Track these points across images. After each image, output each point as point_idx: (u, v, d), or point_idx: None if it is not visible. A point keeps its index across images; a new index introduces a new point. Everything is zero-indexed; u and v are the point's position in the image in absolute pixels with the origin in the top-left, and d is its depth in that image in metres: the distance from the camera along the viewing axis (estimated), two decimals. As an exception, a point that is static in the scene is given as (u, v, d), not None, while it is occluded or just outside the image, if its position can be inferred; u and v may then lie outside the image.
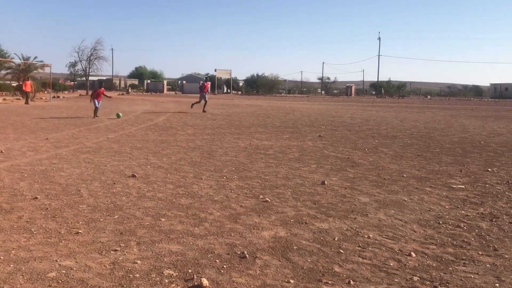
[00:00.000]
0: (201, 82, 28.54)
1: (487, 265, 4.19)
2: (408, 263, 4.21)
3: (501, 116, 27.45)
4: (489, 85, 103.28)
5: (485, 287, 3.72)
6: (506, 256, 4.43)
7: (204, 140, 12.96)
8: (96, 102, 21.14)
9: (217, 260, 4.18)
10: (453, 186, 7.44)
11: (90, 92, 26.01)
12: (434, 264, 4.19)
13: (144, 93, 74.56)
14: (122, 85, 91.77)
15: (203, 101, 25.94)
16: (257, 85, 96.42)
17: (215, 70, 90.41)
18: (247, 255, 4.29)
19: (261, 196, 6.54)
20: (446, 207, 6.21)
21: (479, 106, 45.33)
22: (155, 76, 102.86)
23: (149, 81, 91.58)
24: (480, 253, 4.51)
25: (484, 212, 5.98)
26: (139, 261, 4.11)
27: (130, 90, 75.09)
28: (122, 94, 60.44)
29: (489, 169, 8.97)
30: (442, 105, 49.67)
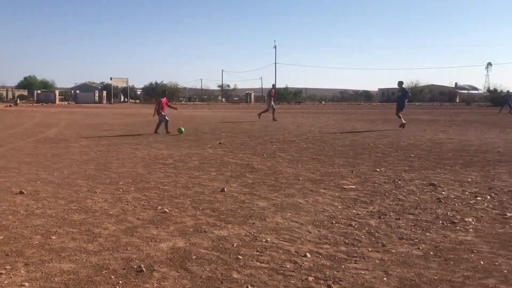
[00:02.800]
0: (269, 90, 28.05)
1: (376, 261, 4.44)
2: (303, 264, 4.35)
3: (389, 119, 29.30)
4: (377, 90, 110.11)
5: (374, 282, 3.93)
6: (393, 251, 4.73)
7: (99, 152, 12.49)
8: (162, 116, 18.34)
9: (112, 276, 4.03)
10: (345, 187, 7.82)
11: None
12: (328, 263, 4.37)
13: (34, 104, 70.50)
14: (10, 96, 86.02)
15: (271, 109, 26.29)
16: (156, 94, 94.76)
17: (111, 79, 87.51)
18: (144, 269, 4.19)
19: (159, 207, 6.43)
20: (339, 207, 6.50)
21: (369, 110, 48.12)
22: (46, 86, 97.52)
23: (39, 91, 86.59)
24: (370, 249, 4.77)
25: (373, 210, 6.33)
26: (27, 283, 3.85)
27: (18, 101, 70.54)
28: (10, 105, 56.51)
29: (378, 169, 9.54)
30: (336, 110, 52.11)
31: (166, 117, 18.60)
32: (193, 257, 4.54)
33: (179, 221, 5.79)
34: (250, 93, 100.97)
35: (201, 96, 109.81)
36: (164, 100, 18.99)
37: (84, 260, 4.41)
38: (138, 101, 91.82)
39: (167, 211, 6.23)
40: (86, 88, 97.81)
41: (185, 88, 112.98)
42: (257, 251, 4.71)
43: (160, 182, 8.27)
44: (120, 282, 3.92)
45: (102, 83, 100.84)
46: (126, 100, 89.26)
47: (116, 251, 4.69)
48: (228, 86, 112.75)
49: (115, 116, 32.51)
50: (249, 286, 3.84)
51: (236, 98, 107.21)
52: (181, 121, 27.06)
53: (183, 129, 18.49)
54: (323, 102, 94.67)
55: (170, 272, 4.15)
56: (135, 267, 4.25)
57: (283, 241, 5.03)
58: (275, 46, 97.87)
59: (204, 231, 5.37)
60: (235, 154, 12.13)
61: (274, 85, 30.21)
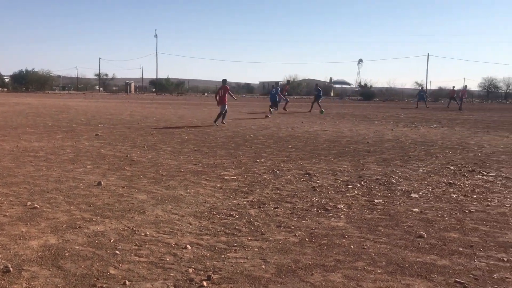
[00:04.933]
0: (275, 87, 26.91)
1: (255, 249, 4.54)
2: (184, 256, 4.31)
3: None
4: (258, 83, 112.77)
5: (253, 270, 4.01)
6: (271, 239, 4.86)
7: (-41, 144, 11.34)
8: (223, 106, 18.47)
9: (-28, 280, 3.67)
10: (226, 178, 7.90)
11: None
12: (208, 254, 4.37)
13: None
14: None
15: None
16: (27, 82, 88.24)
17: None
18: (11, 269, 3.87)
19: (29, 203, 5.98)
20: (220, 198, 6.55)
21: (251, 103, 49.07)
22: None
23: None
24: (249, 238, 4.87)
25: (253, 200, 6.47)
26: None
27: None
28: None
29: (258, 160, 9.77)
30: (218, 101, 52.40)
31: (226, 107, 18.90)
32: (67, 254, 4.29)
33: (51, 217, 5.44)
34: (130, 83, 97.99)
35: (77, 85, 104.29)
36: (227, 87, 18.92)
37: None
38: (6, 89, 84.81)
39: (38, 206, 5.83)
40: None
41: (59, 76, 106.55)
42: (136, 245, 4.58)
43: (30, 176, 7.71)
44: (-19, 286, 3.58)
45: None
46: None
47: (-22, 252, 4.28)
48: (106, 75, 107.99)
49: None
50: (126, 281, 3.72)
51: (115, 88, 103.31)
52: (53, 110, 25.50)
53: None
54: (206, 94, 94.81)
55: (41, 271, 3.88)
56: (1, 267, 3.91)
57: (163, 234, 4.95)
58: (156, 35, 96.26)
59: (79, 227, 5.10)
60: (113, 146, 11.70)
61: (289, 81, 30.94)
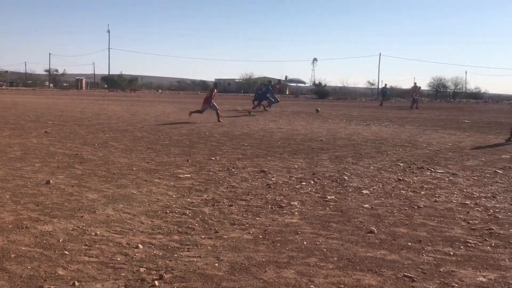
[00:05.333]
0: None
1: (209, 247, 4.51)
2: (135, 255, 4.23)
3: (224, 109, 30.04)
4: (214, 80, 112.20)
5: (206, 268, 3.99)
6: (225, 237, 4.85)
7: None
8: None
9: None
10: (180, 176, 7.82)
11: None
12: (160, 253, 4.31)
13: None
14: None
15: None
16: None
17: None
18: (-49, 273, 3.70)
19: (-28, 203, 5.74)
20: (173, 196, 6.48)
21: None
22: None
23: None
24: (202, 237, 4.83)
25: (207, 198, 6.43)
26: None
27: None
28: None
29: (213, 158, 9.72)
30: (173, 98, 51.94)
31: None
32: (12, 255, 4.14)
33: (-5, 217, 5.23)
34: (81, 79, 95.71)
35: (25, 80, 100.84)
36: (213, 91, 20.02)
37: None
38: None
39: (-18, 207, 5.59)
40: None
41: (6, 71, 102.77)
42: (86, 245, 4.46)
43: (-27, 175, 7.39)
44: None
45: None
46: None
47: None
48: (57, 70, 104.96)
49: None
50: (75, 282, 3.62)
51: (65, 84, 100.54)
52: (0, 106, 24.58)
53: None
54: (160, 91, 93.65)
55: (-17, 275, 3.72)
56: None
57: (114, 233, 4.85)
58: (109, 30, 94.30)
59: (26, 227, 4.93)
60: (63, 143, 11.37)
61: (280, 81, 30.47)
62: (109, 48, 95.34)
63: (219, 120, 19.28)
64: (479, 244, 4.82)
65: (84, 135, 13.25)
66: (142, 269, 3.92)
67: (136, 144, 11.65)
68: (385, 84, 54.53)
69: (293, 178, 7.90)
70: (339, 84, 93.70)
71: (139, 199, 6.26)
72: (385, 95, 42.95)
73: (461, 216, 5.83)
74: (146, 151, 10.46)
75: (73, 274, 3.79)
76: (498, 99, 79.79)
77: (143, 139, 12.60)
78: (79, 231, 4.87)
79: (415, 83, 40.57)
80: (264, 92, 26.64)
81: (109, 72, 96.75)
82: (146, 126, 16.41)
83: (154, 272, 3.88)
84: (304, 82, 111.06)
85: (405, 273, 3.98)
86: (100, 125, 16.30)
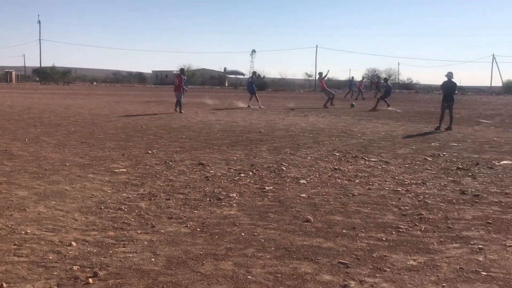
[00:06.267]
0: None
1: (145, 242, 4.44)
2: (68, 253, 4.10)
3: (163, 101, 29.60)
4: (151, 72, 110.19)
5: (142, 264, 3.92)
6: (162, 231, 4.79)
7: None
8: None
9: None
10: (116, 171, 7.64)
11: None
12: (95, 250, 4.20)
13: None
14: None
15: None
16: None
17: None
18: None
19: None
20: (108, 191, 6.32)
21: (143, 92, 47.89)
22: None
23: None
24: (139, 232, 4.75)
25: (144, 192, 6.32)
26: None
27: None
28: None
29: (150, 151, 9.56)
30: (108, 91, 50.52)
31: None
32: None
33: None
34: (11, 72, 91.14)
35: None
36: (181, 77, 20.37)
37: None
38: None
39: None
40: None
41: None
42: (15, 244, 4.27)
43: None
44: None
45: None
46: None
47: None
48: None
49: None
50: (3, 283, 3.46)
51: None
52: None
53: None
54: (94, 83, 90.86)
55: None
56: None
57: (46, 231, 4.67)
58: (39, 21, 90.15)
59: (-52, 229, 4.65)
60: (-9, 139, 10.82)
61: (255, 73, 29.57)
62: (40, 39, 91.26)
63: (179, 111, 19.82)
64: (410, 229, 5.02)
65: (14, 130, 12.66)
66: (75, 267, 3.80)
67: (70, 138, 11.26)
68: (352, 77, 48.62)
69: (232, 170, 7.91)
70: (278, 76, 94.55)
71: (72, 195, 6.06)
72: (387, 91, 38.75)
73: (393, 203, 6.05)
74: (80, 146, 10.13)
75: (1, 275, 3.62)
76: (429, 89, 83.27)
77: (77, 134, 12.20)
78: (8, 230, 4.65)
79: (363, 77, 41.14)
80: (250, 82, 26.14)
81: (40, 65, 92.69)
82: (80, 120, 15.89)
83: (88, 269, 3.77)
84: (243, 74, 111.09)
85: (340, 260, 4.09)
86: (31, 120, 15.62)
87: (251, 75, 28.56)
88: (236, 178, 7.30)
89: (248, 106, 25.02)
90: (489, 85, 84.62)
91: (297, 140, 11.86)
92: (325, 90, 27.55)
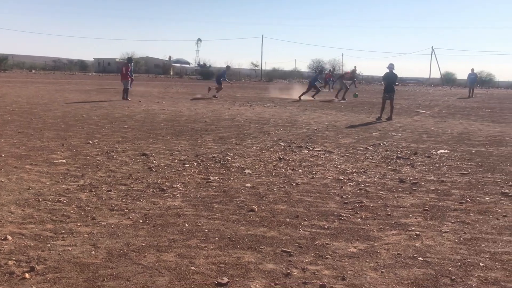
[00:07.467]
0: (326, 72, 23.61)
1: (85, 235, 4.32)
2: (3, 248, 3.94)
3: (104, 90, 28.84)
4: (93, 60, 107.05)
5: (82, 257, 3.82)
6: (102, 223, 4.68)
7: None
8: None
9: None
10: (55, 161, 7.38)
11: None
12: (32, 244, 4.05)
13: None
14: None
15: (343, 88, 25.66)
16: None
17: None
18: None
19: None
20: (47, 183, 6.10)
21: (84, 80, 46.46)
22: None
23: None
24: (78, 224, 4.62)
25: (84, 184, 6.15)
26: None
27: None
28: None
29: (90, 142, 9.30)
30: (48, 79, 48.67)
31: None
32: None
33: None
34: None
35: None
36: (128, 66, 21.23)
37: None
38: None
39: None
40: None
41: None
42: None
43: None
44: None
45: None
46: None
47: None
48: None
49: None
50: None
51: None
52: None
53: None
54: (33, 71, 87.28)
55: None
56: None
57: (-21, 225, 4.46)
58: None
59: None
60: None
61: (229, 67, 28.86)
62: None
63: (126, 98, 20.39)
64: (351, 217, 5.15)
65: None
66: (11, 262, 3.65)
67: (5, 128, 10.78)
68: (330, 70, 45.71)
69: (176, 160, 7.83)
70: (224, 65, 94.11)
71: (8, 187, 5.81)
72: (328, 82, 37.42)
73: (335, 191, 6.18)
74: (16, 136, 9.72)
75: None
76: (371, 80, 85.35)
77: (14, 123, 11.70)
78: None
79: (329, 70, 41.14)
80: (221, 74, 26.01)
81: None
82: (17, 109, 15.23)
83: (25, 264, 3.64)
84: (188, 63, 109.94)
85: (283, 249, 4.14)
86: (-37, 108, 14.83)
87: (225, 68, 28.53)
88: (180, 169, 7.23)
89: (214, 96, 24.92)
90: (428, 76, 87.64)
91: (242, 130, 11.88)
92: (342, 83, 27.13)
